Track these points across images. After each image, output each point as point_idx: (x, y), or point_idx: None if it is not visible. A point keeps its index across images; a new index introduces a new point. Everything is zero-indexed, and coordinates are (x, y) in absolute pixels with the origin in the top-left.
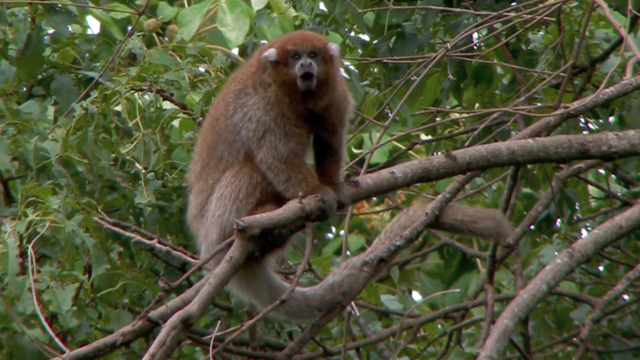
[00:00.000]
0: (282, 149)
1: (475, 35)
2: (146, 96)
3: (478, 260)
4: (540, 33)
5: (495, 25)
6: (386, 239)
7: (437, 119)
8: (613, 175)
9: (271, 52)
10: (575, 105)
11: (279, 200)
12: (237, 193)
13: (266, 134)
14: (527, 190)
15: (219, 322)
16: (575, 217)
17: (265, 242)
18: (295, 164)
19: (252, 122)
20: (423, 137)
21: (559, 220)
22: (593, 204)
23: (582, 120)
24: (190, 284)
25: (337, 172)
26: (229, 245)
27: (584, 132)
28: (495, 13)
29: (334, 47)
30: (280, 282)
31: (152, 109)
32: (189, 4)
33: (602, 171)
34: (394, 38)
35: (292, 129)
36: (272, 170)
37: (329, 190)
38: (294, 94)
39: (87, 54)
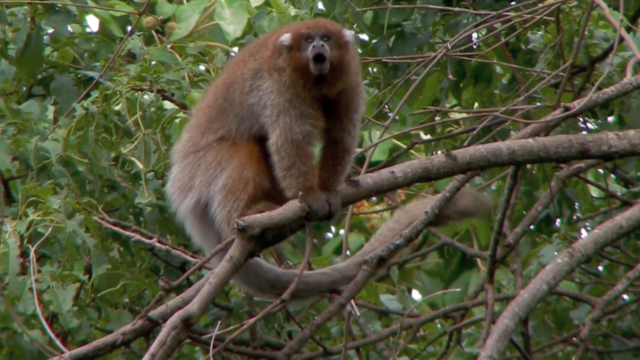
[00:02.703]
0: (297, 130)
1: (474, 34)
2: (146, 96)
3: (478, 259)
4: (540, 32)
5: (494, 25)
6: (384, 238)
7: (437, 118)
8: (612, 175)
9: (285, 37)
10: (575, 104)
11: (274, 196)
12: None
13: (280, 116)
14: (526, 187)
15: (219, 321)
16: (574, 217)
17: (265, 241)
18: (304, 153)
19: (266, 108)
20: (423, 136)
21: (558, 220)
22: (595, 202)
23: (582, 120)
24: (190, 284)
25: (336, 177)
26: (225, 246)
27: (583, 132)
28: (494, 13)
29: (348, 33)
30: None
31: (153, 109)
32: (187, 0)
33: (601, 171)
34: (393, 37)
35: (309, 110)
36: (279, 152)
37: (322, 197)
38: (307, 78)
39: (85, 54)
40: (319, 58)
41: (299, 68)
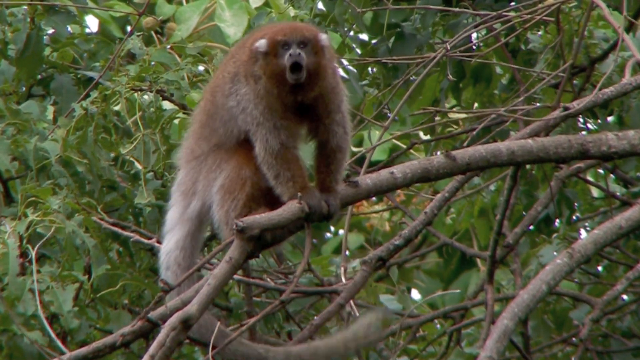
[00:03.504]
0: (273, 143)
1: (474, 35)
2: (146, 96)
3: (477, 259)
4: (540, 33)
5: (494, 25)
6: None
7: (437, 118)
8: (612, 175)
9: (261, 43)
10: (575, 105)
11: (272, 195)
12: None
13: (258, 127)
14: (525, 188)
15: (219, 322)
16: (574, 217)
17: (264, 242)
18: (285, 160)
19: (245, 114)
20: (422, 136)
21: (558, 220)
22: (595, 203)
23: (581, 120)
24: None
25: (331, 176)
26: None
27: (583, 133)
28: (494, 13)
29: (324, 37)
30: None
31: (152, 109)
32: (187, 1)
33: (601, 171)
34: (393, 38)
35: (281, 122)
36: (264, 164)
37: (317, 194)
38: (282, 85)
39: (85, 54)
40: (295, 67)
41: (275, 75)
